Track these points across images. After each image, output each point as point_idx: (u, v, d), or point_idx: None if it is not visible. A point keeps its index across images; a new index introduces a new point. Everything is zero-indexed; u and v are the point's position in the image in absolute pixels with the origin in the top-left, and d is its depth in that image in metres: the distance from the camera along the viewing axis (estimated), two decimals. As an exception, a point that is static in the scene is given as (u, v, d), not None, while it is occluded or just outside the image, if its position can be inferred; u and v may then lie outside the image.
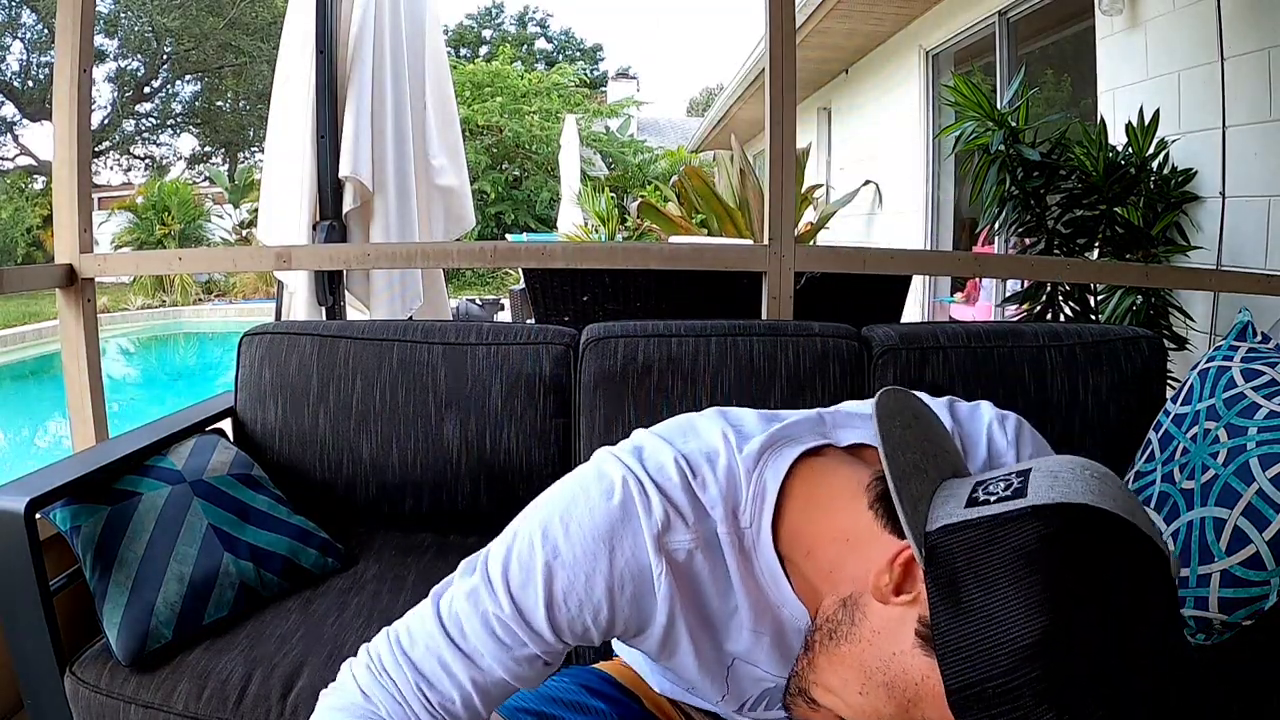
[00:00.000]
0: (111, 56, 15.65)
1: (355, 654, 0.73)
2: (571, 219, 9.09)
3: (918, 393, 0.74)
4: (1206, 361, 1.45)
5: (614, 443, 0.72)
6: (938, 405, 0.79)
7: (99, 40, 14.87)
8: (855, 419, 0.77)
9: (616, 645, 0.96)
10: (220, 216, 13.93)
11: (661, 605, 0.66)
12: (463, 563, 0.72)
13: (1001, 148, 2.72)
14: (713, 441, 0.70)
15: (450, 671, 0.67)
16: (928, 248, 5.30)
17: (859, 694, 0.59)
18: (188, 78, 17.00)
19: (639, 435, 0.74)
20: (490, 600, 0.67)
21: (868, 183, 6.54)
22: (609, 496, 0.66)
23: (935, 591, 0.54)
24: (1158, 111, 2.70)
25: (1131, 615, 0.52)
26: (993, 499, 0.57)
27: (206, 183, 15.88)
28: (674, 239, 5.35)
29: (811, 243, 5.44)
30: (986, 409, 0.79)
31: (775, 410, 0.79)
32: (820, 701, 0.63)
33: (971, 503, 0.57)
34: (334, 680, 0.73)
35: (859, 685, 0.59)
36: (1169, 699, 0.51)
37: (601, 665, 0.96)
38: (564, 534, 0.65)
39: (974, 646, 0.52)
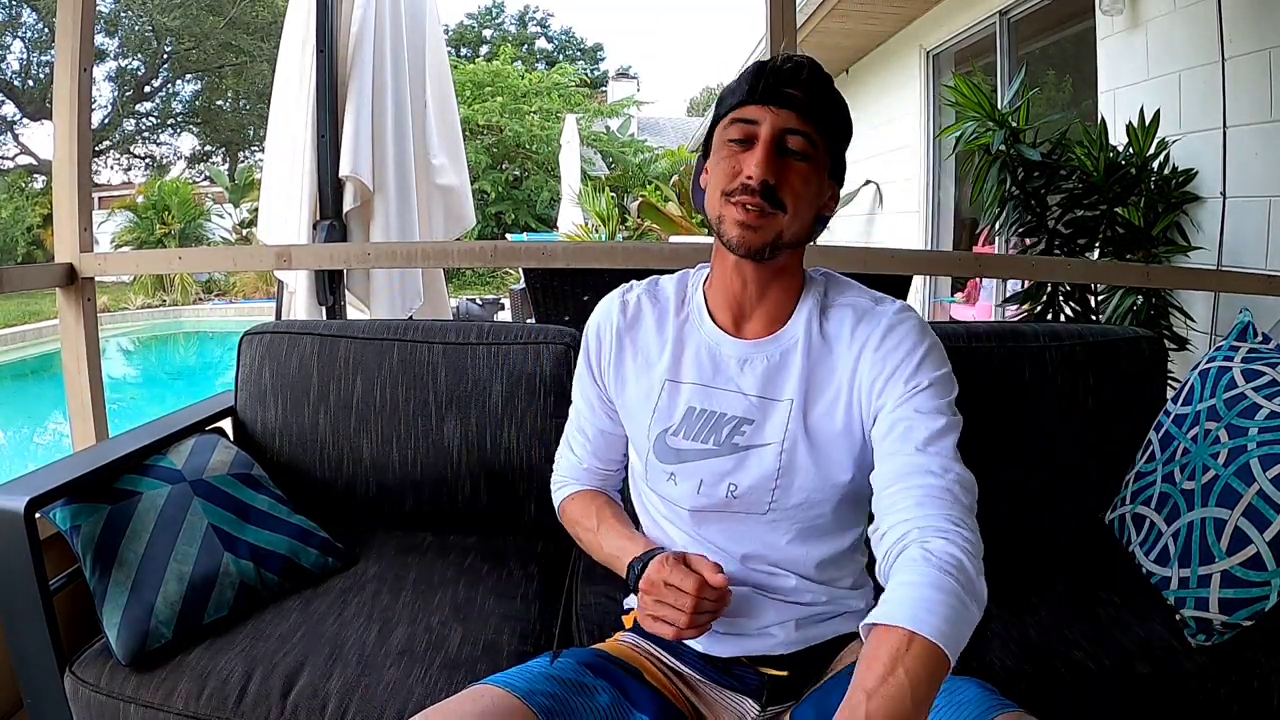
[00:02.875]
0: (112, 56, 15.65)
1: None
2: (572, 218, 9.09)
3: None
4: (1207, 362, 1.45)
5: None
6: None
7: (99, 40, 14.87)
8: None
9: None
10: (220, 216, 13.92)
11: (618, 320, 1.07)
12: None
13: (1002, 148, 2.72)
14: None
15: (573, 438, 1.16)
16: (928, 248, 5.30)
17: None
18: (188, 77, 16.99)
19: None
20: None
21: (868, 183, 6.53)
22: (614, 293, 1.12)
23: None
24: (1158, 112, 2.70)
25: None
26: None
27: (206, 182, 15.88)
28: (674, 238, 5.35)
29: (811, 243, 5.42)
30: None
31: None
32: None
33: None
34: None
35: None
36: None
37: (601, 645, 1.03)
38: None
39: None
